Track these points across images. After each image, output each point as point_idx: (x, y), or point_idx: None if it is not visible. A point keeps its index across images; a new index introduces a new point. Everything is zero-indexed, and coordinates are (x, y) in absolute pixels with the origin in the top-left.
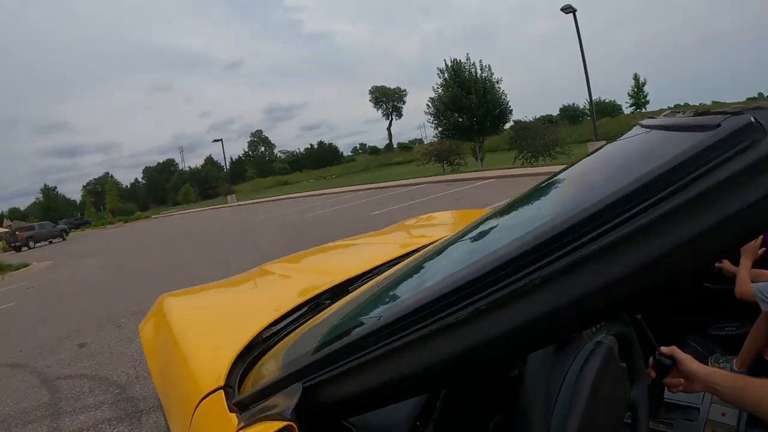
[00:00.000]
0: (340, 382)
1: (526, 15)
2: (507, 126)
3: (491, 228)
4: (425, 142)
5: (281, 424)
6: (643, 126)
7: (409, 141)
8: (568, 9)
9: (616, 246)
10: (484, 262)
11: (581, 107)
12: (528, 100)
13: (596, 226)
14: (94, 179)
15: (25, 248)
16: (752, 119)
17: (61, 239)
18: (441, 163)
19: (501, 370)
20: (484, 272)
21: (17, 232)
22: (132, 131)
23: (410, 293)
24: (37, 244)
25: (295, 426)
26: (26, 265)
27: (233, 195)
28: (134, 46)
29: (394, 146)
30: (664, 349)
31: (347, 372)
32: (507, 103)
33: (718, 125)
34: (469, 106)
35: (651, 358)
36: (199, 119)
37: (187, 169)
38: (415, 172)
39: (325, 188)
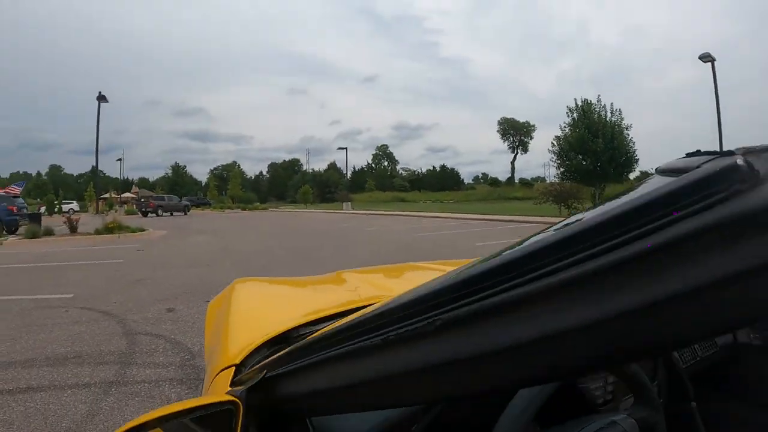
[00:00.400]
0: (296, 378)
1: (664, 60)
2: (632, 175)
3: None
4: (547, 181)
5: (227, 398)
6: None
7: (531, 178)
8: (706, 58)
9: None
10: (438, 282)
11: None
12: (657, 149)
13: (511, 277)
14: (222, 165)
15: (153, 215)
16: (740, 162)
17: (183, 213)
18: (558, 205)
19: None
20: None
21: (150, 200)
22: (264, 127)
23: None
24: (164, 214)
25: (240, 403)
26: (142, 230)
27: (349, 203)
28: (279, 50)
29: (516, 181)
30: None
31: (303, 368)
32: (634, 151)
33: (698, 167)
34: (595, 150)
35: None
36: (329, 126)
37: (310, 170)
38: (530, 210)
39: (440, 211)
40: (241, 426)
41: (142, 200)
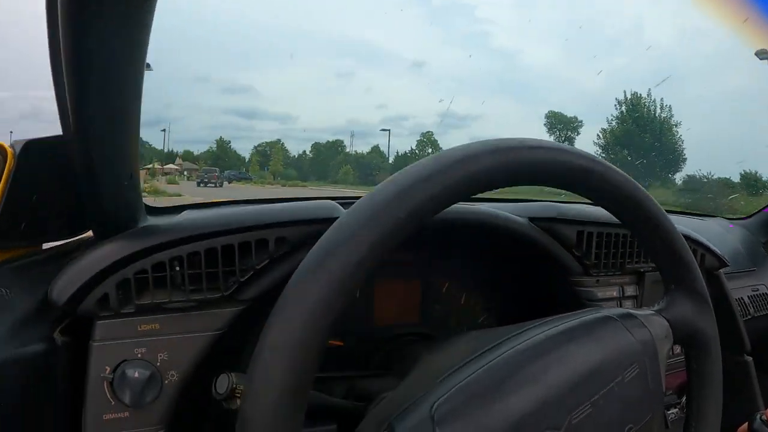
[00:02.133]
0: None
1: (719, 63)
2: (678, 175)
3: None
4: None
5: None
6: None
7: None
8: (763, 54)
9: None
10: None
11: (764, 178)
12: (706, 156)
13: None
14: (266, 142)
15: (212, 185)
16: None
17: (217, 186)
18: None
19: None
20: None
21: (214, 173)
22: (310, 108)
23: None
24: (209, 185)
25: (8, 150)
26: (178, 195)
27: None
28: (329, 33)
29: None
30: None
31: None
32: (682, 151)
33: None
34: (641, 145)
35: (746, 423)
36: (375, 110)
37: (353, 152)
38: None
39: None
40: (8, 173)
41: (202, 172)
